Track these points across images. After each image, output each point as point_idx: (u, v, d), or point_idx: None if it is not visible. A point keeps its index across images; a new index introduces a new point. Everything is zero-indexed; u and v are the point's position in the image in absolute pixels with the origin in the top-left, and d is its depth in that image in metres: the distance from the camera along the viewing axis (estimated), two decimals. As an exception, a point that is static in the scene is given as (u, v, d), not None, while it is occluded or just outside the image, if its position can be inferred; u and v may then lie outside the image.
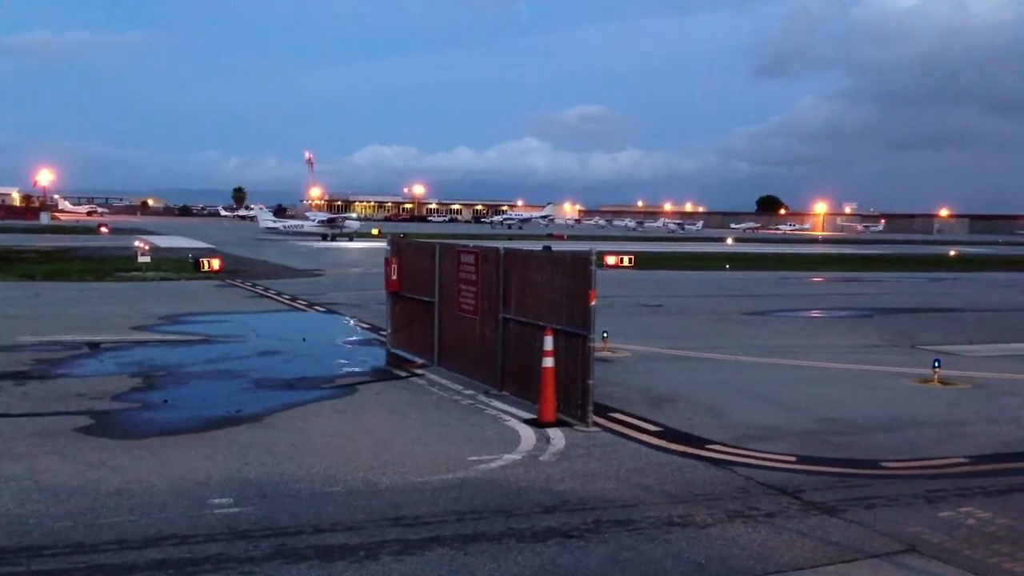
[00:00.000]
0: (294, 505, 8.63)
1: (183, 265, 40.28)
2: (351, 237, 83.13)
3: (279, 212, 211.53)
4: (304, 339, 20.08)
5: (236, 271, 39.58)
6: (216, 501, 8.67)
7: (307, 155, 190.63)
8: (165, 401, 13.29)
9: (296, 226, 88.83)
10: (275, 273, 40.16)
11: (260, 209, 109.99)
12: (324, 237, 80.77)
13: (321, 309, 26.25)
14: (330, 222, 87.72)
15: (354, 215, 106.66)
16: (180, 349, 18.36)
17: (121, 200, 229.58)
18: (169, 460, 10.08)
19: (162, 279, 35.07)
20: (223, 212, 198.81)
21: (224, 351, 18.07)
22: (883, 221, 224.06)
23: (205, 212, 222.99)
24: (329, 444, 10.94)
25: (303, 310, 26.30)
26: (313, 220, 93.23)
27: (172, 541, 7.62)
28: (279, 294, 30.21)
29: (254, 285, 33.43)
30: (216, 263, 38.92)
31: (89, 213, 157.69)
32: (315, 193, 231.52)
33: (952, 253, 79.44)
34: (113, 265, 40.24)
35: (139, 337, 19.67)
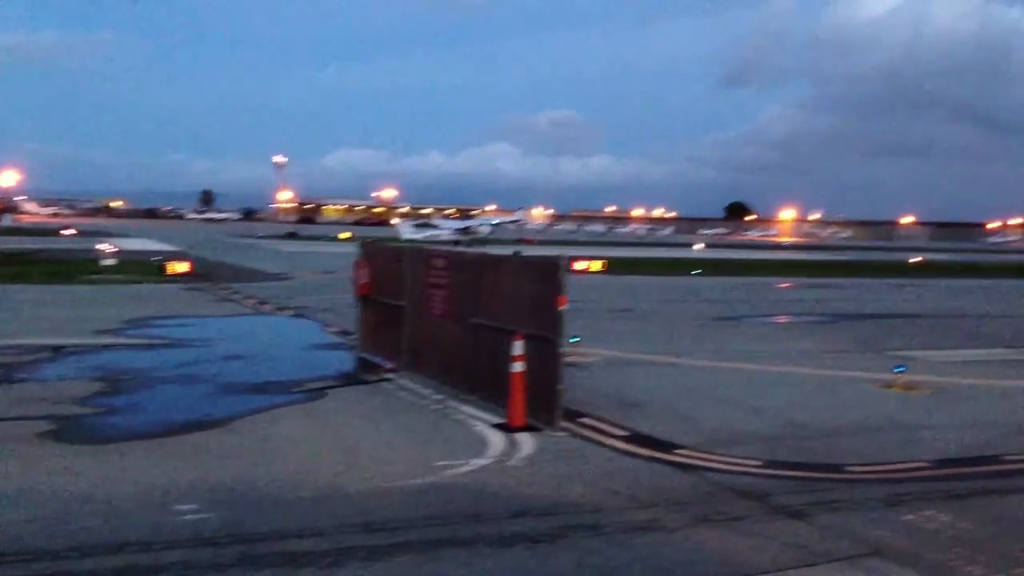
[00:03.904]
0: (260, 511, 8.56)
1: (149, 268, 39.85)
2: (484, 243, 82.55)
3: (247, 215, 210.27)
4: (272, 343, 19.95)
5: (203, 274, 39.18)
6: (181, 507, 8.58)
7: (277, 158, 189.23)
8: (130, 406, 13.14)
9: (434, 235, 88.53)
10: (244, 277, 39.84)
11: (402, 222, 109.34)
12: (456, 244, 79.24)
13: (290, 313, 26.09)
14: (464, 230, 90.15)
15: (495, 221, 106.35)
16: (145, 353, 18.17)
17: (88, 202, 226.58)
18: (133, 465, 9.97)
19: (128, 282, 34.68)
20: (190, 215, 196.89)
21: (190, 355, 17.90)
22: (848, 228, 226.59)
23: (172, 214, 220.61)
24: (296, 449, 10.87)
25: (271, 314, 26.13)
26: (448, 228, 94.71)
27: (135, 548, 7.53)
28: (247, 298, 29.97)
29: (221, 288, 33.14)
30: (183, 266, 38.53)
31: (54, 215, 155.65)
32: (284, 196, 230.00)
33: (915, 259, 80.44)
34: (77, 268, 39.68)
35: (103, 341, 19.43)
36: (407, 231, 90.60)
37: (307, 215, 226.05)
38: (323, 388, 14.82)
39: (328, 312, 25.74)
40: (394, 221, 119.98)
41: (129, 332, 21.04)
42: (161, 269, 38.22)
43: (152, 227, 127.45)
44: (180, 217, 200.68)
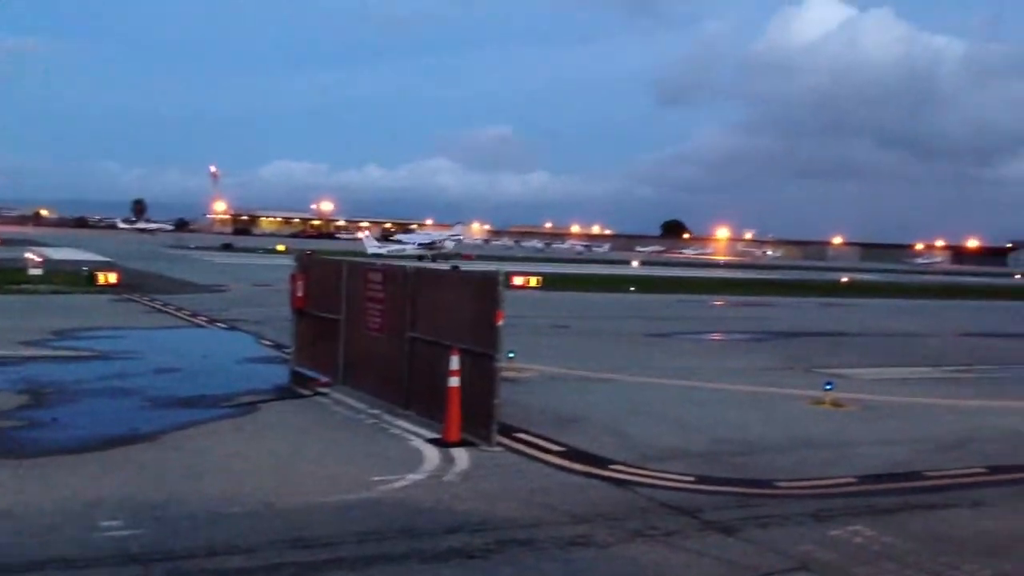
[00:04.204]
0: (189, 527, 8.39)
1: (77, 278, 38.88)
2: (447, 258, 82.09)
3: (180, 226, 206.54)
4: (204, 356, 19.61)
5: (134, 285, 38.41)
6: (106, 523, 8.36)
7: (212, 168, 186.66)
8: (54, 419, 12.78)
9: (399, 250, 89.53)
10: (175, 288, 39.14)
11: (367, 235, 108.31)
12: (421, 259, 79.10)
13: (223, 326, 25.69)
14: (429, 245, 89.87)
15: (457, 236, 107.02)
16: (72, 365, 17.72)
17: (12, 210, 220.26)
18: (57, 480, 9.70)
19: (54, 292, 33.81)
20: (122, 224, 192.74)
21: (119, 368, 17.51)
22: (780, 248, 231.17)
23: (102, 224, 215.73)
24: (227, 464, 10.69)
25: (204, 326, 25.70)
26: (412, 243, 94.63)
27: (57, 565, 7.32)
28: (179, 309, 29.45)
29: (152, 300, 32.52)
30: (113, 277, 37.72)
31: None
32: (219, 207, 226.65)
33: (845, 279, 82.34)
34: (3, 277, 38.55)
35: (28, 352, 18.91)
36: (372, 245, 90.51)
37: (243, 226, 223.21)
38: (256, 402, 14.61)
39: (263, 325, 25.41)
40: (360, 235, 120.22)
41: (55, 344, 20.51)
42: (90, 279, 37.35)
43: (82, 237, 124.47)
44: (111, 227, 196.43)
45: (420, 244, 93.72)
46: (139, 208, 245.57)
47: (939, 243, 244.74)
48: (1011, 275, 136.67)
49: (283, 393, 15.63)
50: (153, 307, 30.32)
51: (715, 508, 9.74)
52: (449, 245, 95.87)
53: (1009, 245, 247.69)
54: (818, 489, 10.76)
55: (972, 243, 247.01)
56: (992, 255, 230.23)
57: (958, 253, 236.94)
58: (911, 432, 14.34)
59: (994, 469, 12.10)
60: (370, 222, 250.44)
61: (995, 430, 14.78)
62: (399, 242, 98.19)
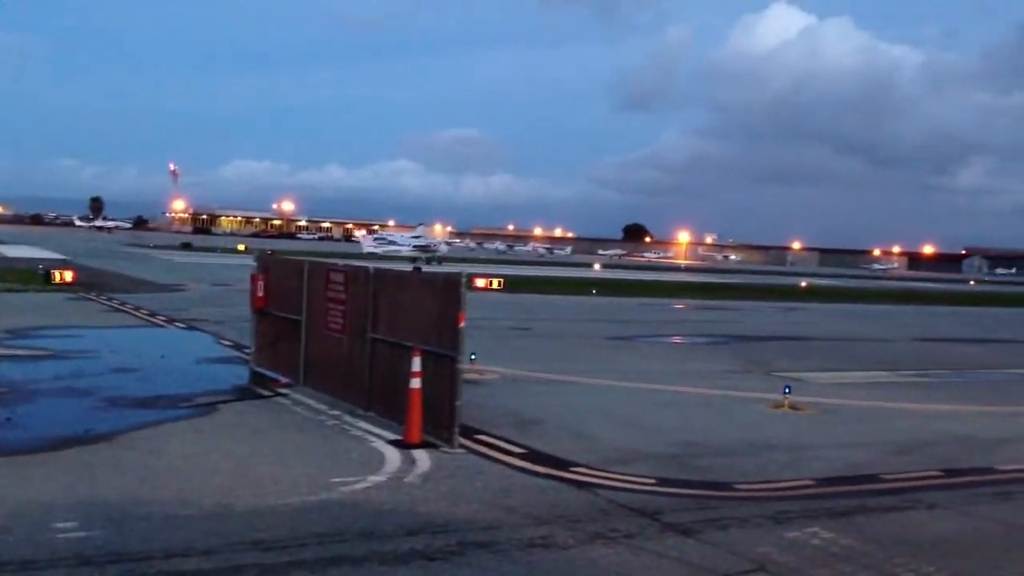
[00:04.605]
0: (145, 529, 8.27)
1: (32, 276, 38.20)
2: (440, 261, 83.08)
3: (138, 224, 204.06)
4: (162, 356, 19.37)
5: (91, 284, 37.85)
6: (60, 525, 8.22)
7: (171, 166, 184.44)
8: (8, 419, 12.53)
9: (394, 251, 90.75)
10: (133, 287, 38.62)
11: (364, 235, 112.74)
12: (414, 261, 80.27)
13: (182, 325, 25.39)
14: (423, 248, 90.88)
15: (443, 241, 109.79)
16: (26, 364, 17.40)
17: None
18: (10, 482, 9.51)
19: (8, 291, 33.18)
20: (78, 222, 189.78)
21: (75, 367, 17.23)
22: (740, 252, 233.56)
23: (59, 221, 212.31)
24: (185, 465, 10.56)
25: (162, 326, 25.38)
26: (407, 245, 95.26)
27: (11, 568, 7.18)
28: (137, 309, 29.06)
29: (110, 299, 32.05)
30: (69, 275, 37.11)
31: None
32: (179, 206, 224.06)
33: (804, 284, 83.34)
34: (-46, 274, 37.83)
35: (-19, 351, 18.53)
36: (368, 245, 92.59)
37: (202, 226, 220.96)
38: (215, 403, 14.45)
39: (222, 325, 25.15)
40: (357, 235, 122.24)
41: (9, 343, 20.13)
42: (46, 278, 36.72)
43: (38, 234, 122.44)
44: (68, 224, 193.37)
45: (415, 246, 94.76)
46: (96, 206, 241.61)
47: (896, 249, 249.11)
48: (965, 281, 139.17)
49: (243, 394, 15.48)
50: (111, 306, 29.89)
51: (675, 510, 9.79)
52: (443, 248, 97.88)
53: (963, 252, 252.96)
54: (777, 491, 10.87)
55: (928, 249, 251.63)
56: (947, 261, 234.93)
57: (914, 259, 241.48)
58: (868, 435, 14.53)
59: (949, 472, 12.30)
60: (332, 222, 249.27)
61: (950, 433, 15.03)
62: (394, 243, 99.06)
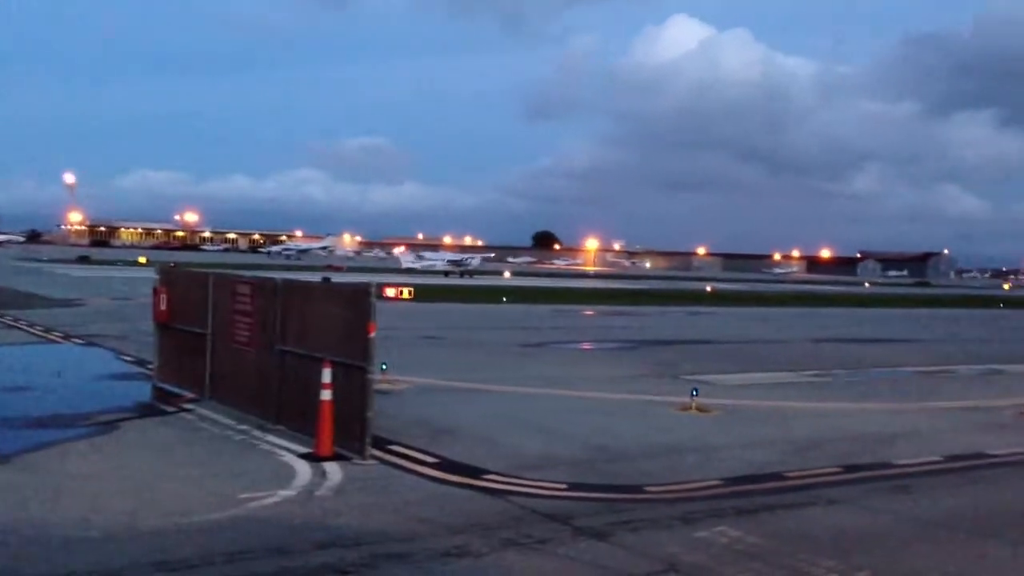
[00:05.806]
0: (43, 553, 7.96)
1: (-83, 293, 36.43)
2: (472, 275, 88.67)
3: (32, 237, 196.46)
4: (59, 373, 18.68)
5: (-19, 300, 36.24)
6: (-49, 553, 7.85)
7: (67, 177, 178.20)
8: None
9: (429, 266, 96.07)
10: (27, 302, 37.15)
11: (402, 251, 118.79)
12: (446, 275, 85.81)
13: (80, 341, 24.53)
14: (456, 263, 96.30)
15: (477, 257, 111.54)
16: (-89, 386, 16.56)
17: None
18: None
19: None
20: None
21: (-35, 387, 16.47)
22: (647, 258, 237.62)
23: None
24: (85, 486, 10.20)
25: (59, 342, 24.48)
26: (441, 260, 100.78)
27: None
28: (32, 325, 27.94)
29: (1, 315, 30.75)
30: (-43, 291, 35.51)
31: None
32: (75, 218, 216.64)
33: (709, 289, 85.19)
34: None
35: None
36: (407, 261, 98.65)
37: (101, 238, 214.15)
38: (116, 420, 14.00)
39: (123, 340, 24.38)
40: (396, 251, 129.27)
41: None
42: (-69, 294, 35.02)
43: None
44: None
45: (449, 260, 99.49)
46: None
47: (795, 253, 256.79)
48: (860, 283, 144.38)
49: (145, 410, 15.05)
50: (2, 323, 28.68)
51: (587, 514, 9.89)
52: (475, 263, 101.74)
53: (858, 255, 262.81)
54: (686, 492, 11.08)
55: (825, 253, 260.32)
56: (843, 265, 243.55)
57: (812, 263, 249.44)
58: (772, 435, 14.93)
59: (848, 468, 12.71)
60: (237, 233, 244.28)
61: (849, 431, 15.55)
62: (429, 259, 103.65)
